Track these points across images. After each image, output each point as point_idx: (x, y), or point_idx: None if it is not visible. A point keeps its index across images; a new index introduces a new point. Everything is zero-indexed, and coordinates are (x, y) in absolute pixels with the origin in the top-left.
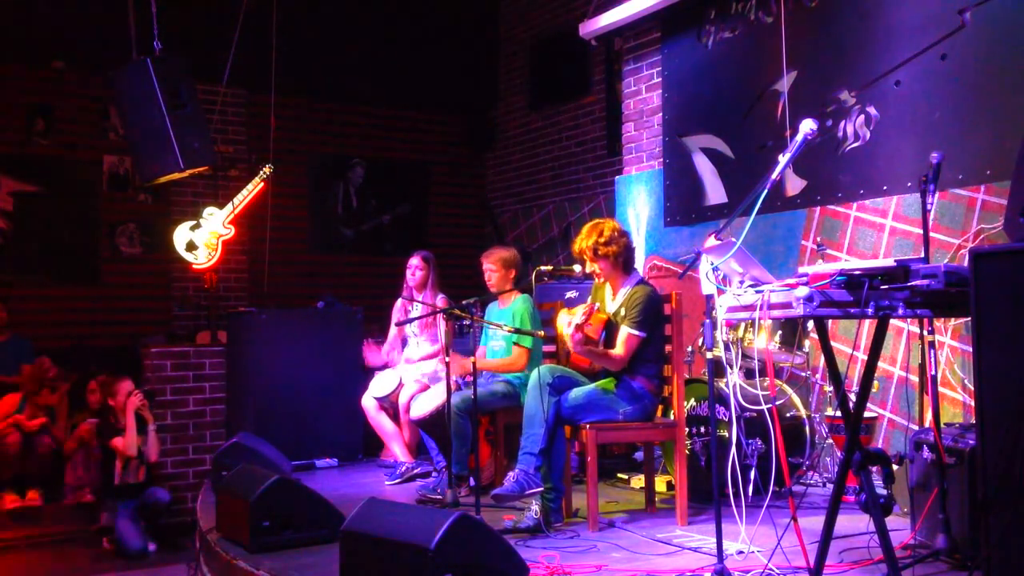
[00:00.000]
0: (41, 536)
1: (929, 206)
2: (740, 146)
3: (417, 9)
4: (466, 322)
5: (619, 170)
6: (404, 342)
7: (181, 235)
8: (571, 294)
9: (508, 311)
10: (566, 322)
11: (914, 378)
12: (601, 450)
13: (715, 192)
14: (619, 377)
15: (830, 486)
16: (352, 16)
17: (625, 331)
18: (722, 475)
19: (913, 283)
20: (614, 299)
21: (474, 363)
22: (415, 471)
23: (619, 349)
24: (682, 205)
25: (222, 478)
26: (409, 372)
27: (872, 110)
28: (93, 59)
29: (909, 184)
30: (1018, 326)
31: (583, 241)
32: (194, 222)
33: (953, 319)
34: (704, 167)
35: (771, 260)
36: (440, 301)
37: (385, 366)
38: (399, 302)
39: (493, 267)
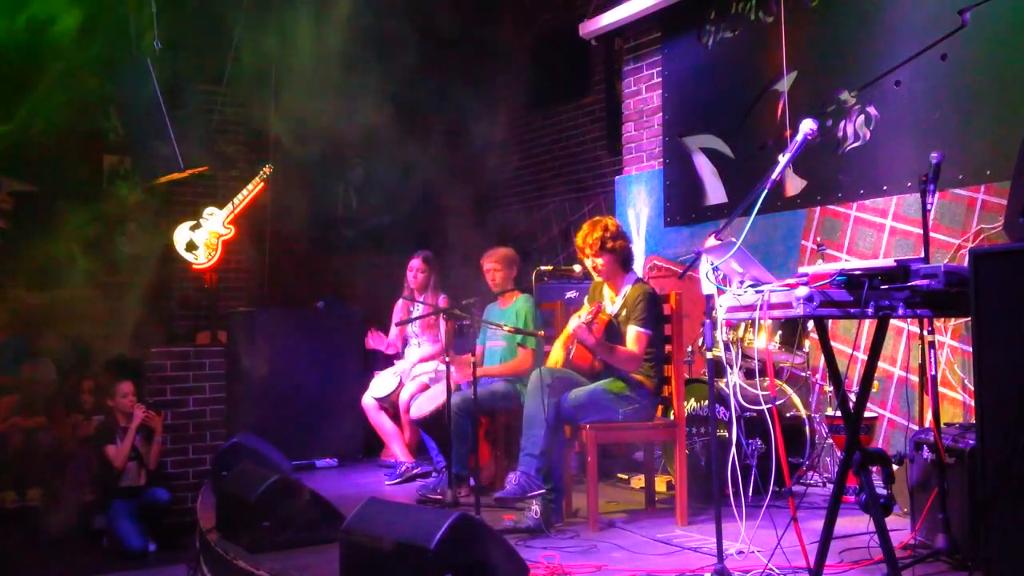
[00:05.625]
0: (41, 536)
1: (929, 206)
2: (740, 146)
3: (417, 8)
4: (466, 322)
5: (619, 170)
6: (405, 342)
7: (181, 235)
8: (571, 294)
9: (510, 311)
10: (571, 330)
11: (914, 378)
12: (601, 450)
13: (715, 192)
14: (623, 377)
15: (830, 486)
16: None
17: (634, 330)
18: (722, 475)
19: (913, 283)
20: (614, 301)
21: (474, 364)
22: (415, 471)
23: (633, 347)
24: (682, 205)
25: (222, 478)
26: (410, 372)
27: (872, 110)
28: (93, 59)
29: (909, 184)
30: (1018, 326)
31: (588, 236)
32: (194, 222)
33: (953, 319)
34: (704, 167)
35: (771, 260)
36: (442, 301)
37: (388, 359)
38: (400, 302)
39: (496, 266)
